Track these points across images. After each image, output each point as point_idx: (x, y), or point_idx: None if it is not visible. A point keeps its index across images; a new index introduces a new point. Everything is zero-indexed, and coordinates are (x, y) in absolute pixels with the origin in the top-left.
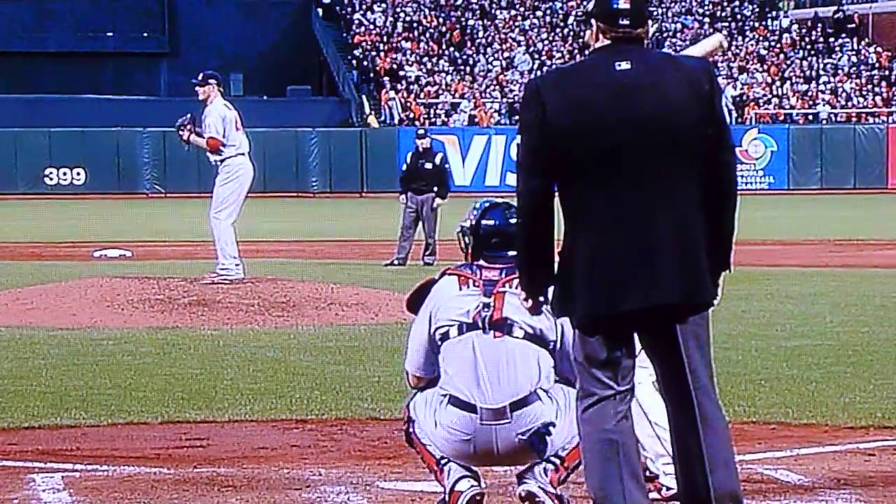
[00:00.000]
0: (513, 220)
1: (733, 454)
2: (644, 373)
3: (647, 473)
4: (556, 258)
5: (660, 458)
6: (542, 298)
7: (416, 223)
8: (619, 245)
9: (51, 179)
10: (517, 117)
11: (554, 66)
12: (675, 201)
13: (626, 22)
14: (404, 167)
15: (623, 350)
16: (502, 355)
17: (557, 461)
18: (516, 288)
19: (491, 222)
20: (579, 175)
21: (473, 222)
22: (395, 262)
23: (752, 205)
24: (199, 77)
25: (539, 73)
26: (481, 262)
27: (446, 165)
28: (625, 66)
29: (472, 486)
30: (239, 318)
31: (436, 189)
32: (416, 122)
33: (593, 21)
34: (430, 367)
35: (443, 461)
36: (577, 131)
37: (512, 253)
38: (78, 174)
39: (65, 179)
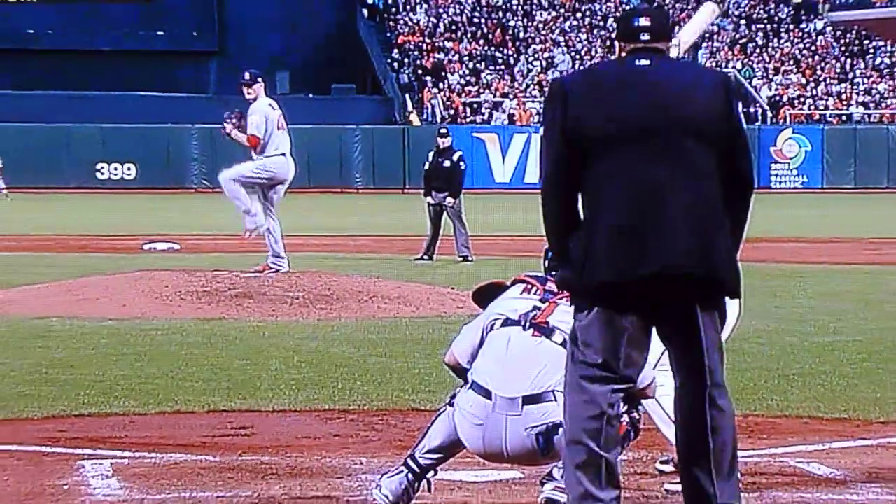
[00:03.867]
0: None
1: (736, 449)
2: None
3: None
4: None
5: None
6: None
7: (439, 218)
8: (638, 217)
9: (102, 174)
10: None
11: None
12: (693, 180)
13: (646, 37)
14: (427, 165)
15: (627, 338)
16: (531, 352)
17: None
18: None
19: None
20: (600, 157)
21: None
22: (424, 257)
23: (786, 203)
24: (247, 76)
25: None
26: (549, 277)
27: (461, 165)
28: (644, 62)
29: (375, 497)
30: (283, 310)
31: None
32: (458, 121)
33: (617, 42)
34: (469, 358)
35: (430, 436)
36: (598, 117)
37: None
38: (129, 169)
39: (116, 174)
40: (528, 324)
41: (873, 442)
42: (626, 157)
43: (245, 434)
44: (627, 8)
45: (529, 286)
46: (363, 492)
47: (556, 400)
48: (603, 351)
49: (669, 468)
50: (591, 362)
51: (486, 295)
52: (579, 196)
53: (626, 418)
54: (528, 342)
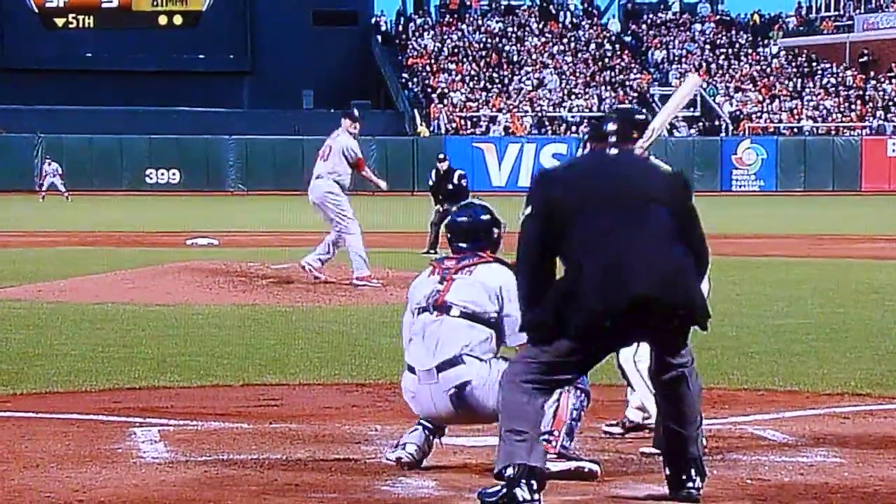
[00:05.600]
0: (483, 217)
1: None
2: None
3: (628, 423)
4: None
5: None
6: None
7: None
8: (619, 261)
9: (150, 179)
10: (544, 129)
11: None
12: (657, 237)
13: (614, 139)
14: (431, 182)
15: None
16: (437, 330)
17: (547, 434)
18: (465, 273)
19: (455, 218)
20: (578, 225)
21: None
22: (430, 251)
23: (745, 204)
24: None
25: (563, 90)
26: (448, 254)
27: (463, 183)
28: (614, 152)
29: (399, 455)
30: (308, 297)
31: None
32: (460, 132)
33: (589, 143)
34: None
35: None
36: (574, 193)
37: (463, 245)
38: (173, 174)
39: (162, 179)
40: (431, 307)
41: (821, 411)
42: (600, 222)
43: (275, 405)
44: (601, 116)
45: (433, 268)
46: (378, 455)
47: (464, 363)
48: (553, 364)
49: (649, 450)
50: (536, 373)
51: None
52: (548, 263)
53: (572, 389)
54: (434, 322)
